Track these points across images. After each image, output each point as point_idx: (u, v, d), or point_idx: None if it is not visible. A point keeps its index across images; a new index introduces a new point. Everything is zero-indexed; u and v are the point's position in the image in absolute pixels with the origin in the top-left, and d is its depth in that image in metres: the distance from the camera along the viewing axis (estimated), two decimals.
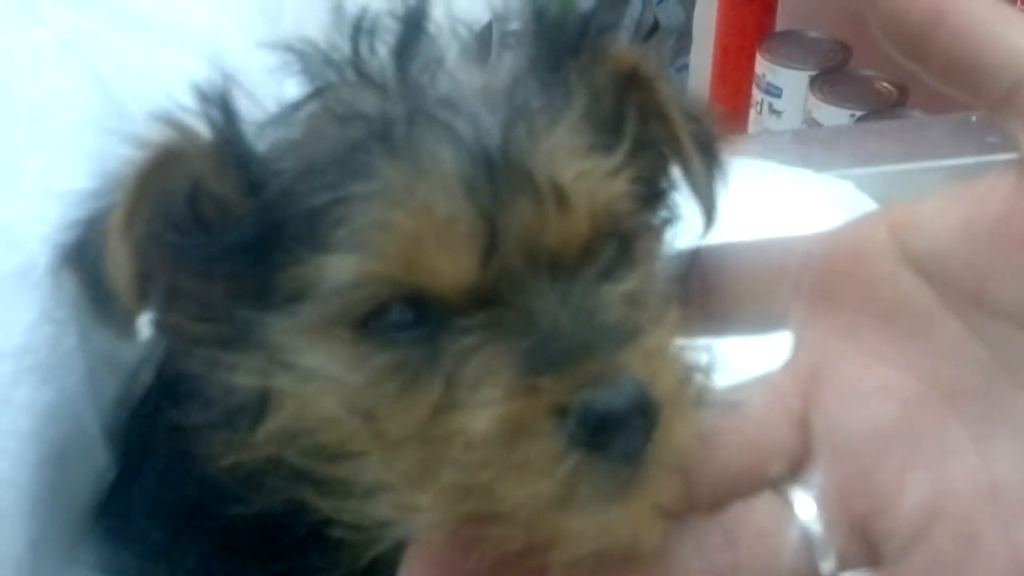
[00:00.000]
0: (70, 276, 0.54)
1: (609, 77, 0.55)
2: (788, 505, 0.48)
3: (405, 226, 0.47)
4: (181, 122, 0.51)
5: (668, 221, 0.59)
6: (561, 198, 0.48)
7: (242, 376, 0.51)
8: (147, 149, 0.51)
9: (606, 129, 0.53)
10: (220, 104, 0.51)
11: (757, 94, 1.92)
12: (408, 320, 0.48)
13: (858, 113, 1.73)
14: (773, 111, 1.89)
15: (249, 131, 0.52)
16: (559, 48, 0.54)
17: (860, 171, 1.41)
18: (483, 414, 0.44)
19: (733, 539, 0.47)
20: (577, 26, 0.56)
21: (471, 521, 0.45)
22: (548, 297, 0.46)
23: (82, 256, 0.52)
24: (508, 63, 0.55)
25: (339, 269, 0.47)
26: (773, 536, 0.47)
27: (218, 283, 0.52)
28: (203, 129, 0.51)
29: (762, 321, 0.55)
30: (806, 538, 0.47)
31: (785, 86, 1.87)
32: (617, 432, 0.42)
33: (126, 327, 0.51)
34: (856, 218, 0.53)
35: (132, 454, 0.67)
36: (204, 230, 0.51)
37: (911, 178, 1.36)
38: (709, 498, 0.48)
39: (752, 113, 1.94)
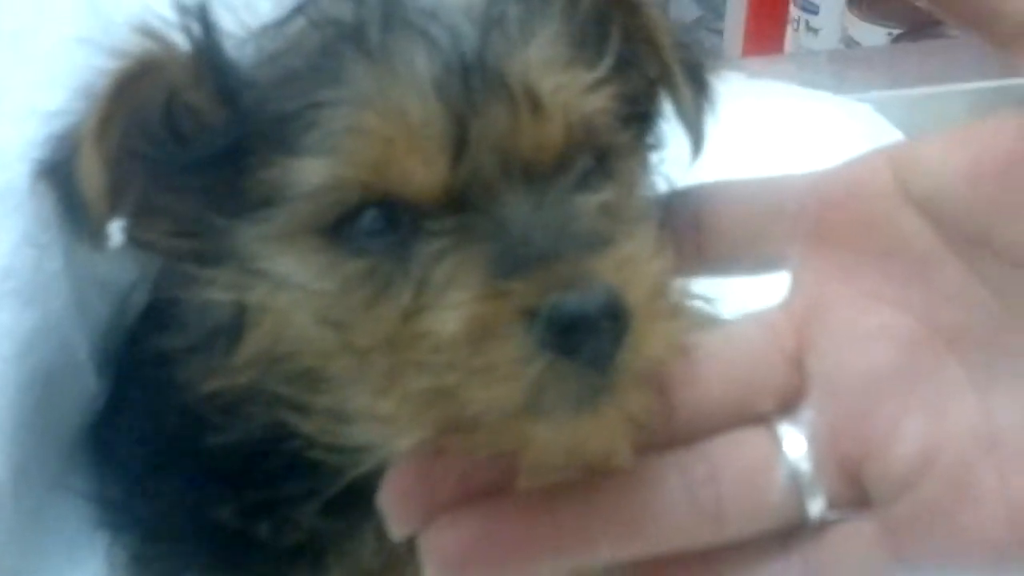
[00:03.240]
0: (46, 190, 0.54)
1: None
2: (777, 442, 0.47)
3: (376, 129, 0.46)
4: (159, 33, 0.51)
5: (652, 146, 0.58)
6: (536, 106, 0.48)
7: (217, 291, 0.51)
8: (124, 60, 0.50)
9: (588, 46, 0.52)
10: (199, 16, 0.51)
11: (794, 12, 1.89)
12: (379, 227, 0.47)
13: (896, 32, 1.70)
14: (810, 29, 1.85)
15: (229, 46, 0.52)
16: None
17: (896, 93, 1.39)
18: (451, 316, 0.44)
19: (718, 473, 0.46)
20: None
21: (439, 429, 0.44)
22: (520, 203, 0.46)
23: (57, 169, 0.52)
24: None
25: (309, 173, 0.47)
26: (760, 472, 0.46)
27: (192, 196, 0.51)
28: (181, 41, 0.51)
29: (760, 261, 0.53)
30: (794, 477, 0.46)
31: (822, 3, 1.83)
32: (586, 336, 0.41)
33: (98, 237, 0.51)
34: (857, 156, 0.51)
35: (122, 381, 0.67)
36: (179, 142, 0.51)
37: (945, 100, 1.33)
38: (693, 428, 0.47)
39: (789, 31, 1.91)
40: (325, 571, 0.58)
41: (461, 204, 0.46)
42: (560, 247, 0.44)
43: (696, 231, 0.53)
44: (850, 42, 1.75)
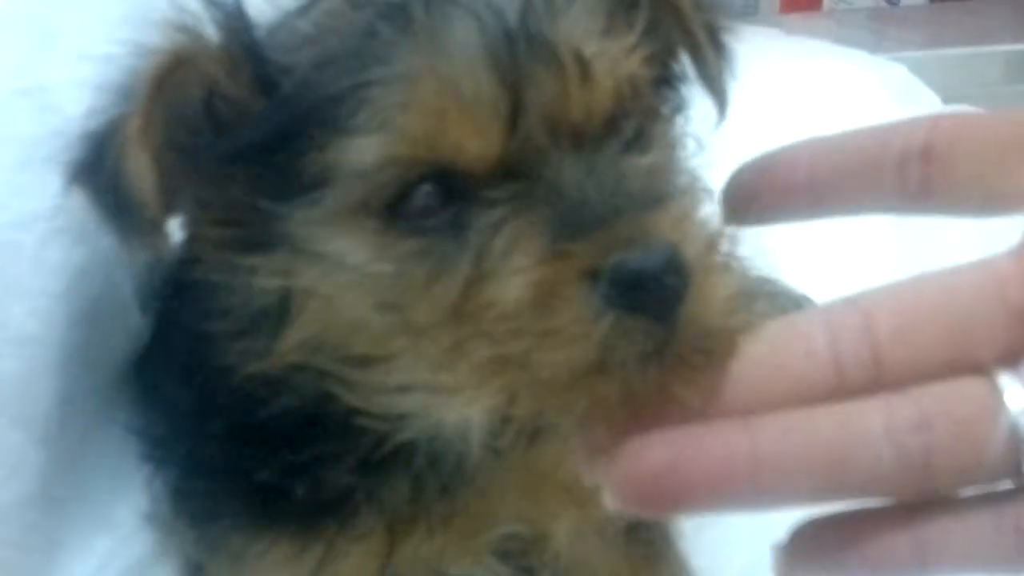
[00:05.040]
0: (83, 192, 0.53)
1: None
2: (997, 394, 0.42)
3: (428, 103, 0.47)
4: (189, 26, 0.51)
5: (677, 109, 0.58)
6: (584, 70, 0.48)
7: (264, 277, 0.51)
8: (156, 56, 0.50)
9: (620, 11, 0.52)
10: (227, 6, 0.51)
11: None
12: (433, 202, 0.47)
13: None
14: None
15: (260, 31, 0.52)
16: None
17: (933, 53, 1.39)
18: (514, 282, 0.44)
19: (929, 421, 0.41)
20: None
21: (509, 395, 0.44)
22: (573, 168, 0.46)
23: (96, 170, 0.51)
24: None
25: (362, 152, 0.47)
26: (976, 424, 0.41)
27: (238, 184, 0.51)
28: (212, 32, 0.51)
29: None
30: (1015, 432, 0.41)
31: None
32: (650, 292, 0.42)
33: (152, 236, 0.50)
34: None
35: (165, 318, 0.68)
36: (221, 132, 0.51)
37: (981, 61, 1.33)
38: (902, 373, 0.42)
39: None
40: (356, 517, 0.59)
41: (515, 172, 0.46)
42: (616, 207, 0.44)
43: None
44: (887, 6, 1.74)
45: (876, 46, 1.32)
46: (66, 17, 0.66)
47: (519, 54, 0.47)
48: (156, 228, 0.50)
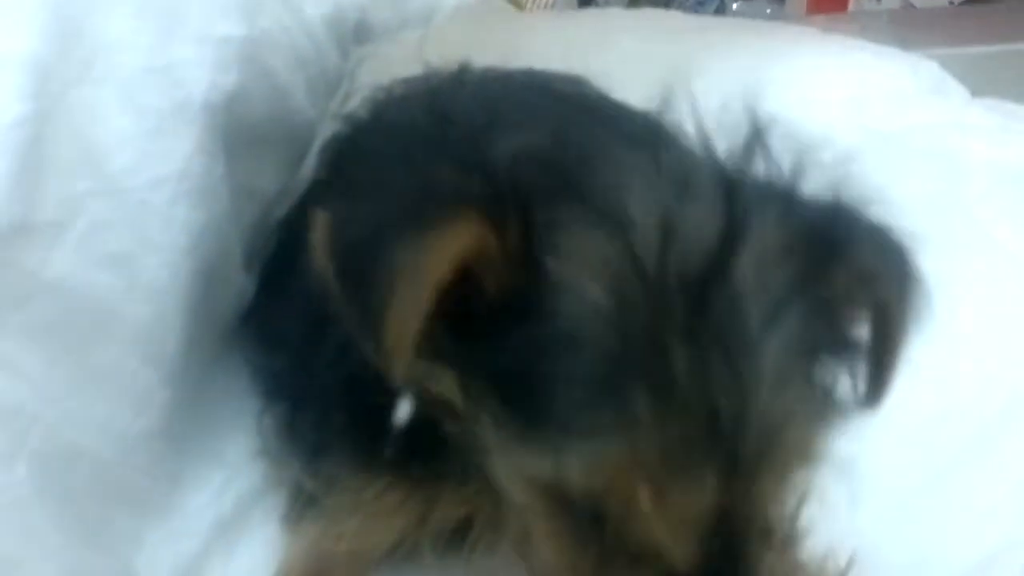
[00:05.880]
0: (337, 283, 0.49)
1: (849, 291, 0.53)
2: None
3: (639, 475, 0.46)
4: (498, 213, 0.49)
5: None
6: (784, 481, 0.49)
7: (441, 388, 0.52)
8: (456, 235, 0.48)
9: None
10: (525, 203, 0.49)
11: None
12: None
13: None
14: None
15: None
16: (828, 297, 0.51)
17: (956, 51, 1.44)
18: None
19: None
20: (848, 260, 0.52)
21: None
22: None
23: (360, 279, 0.48)
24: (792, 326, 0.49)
25: (573, 467, 0.47)
26: None
27: (459, 375, 0.52)
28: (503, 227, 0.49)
29: None
30: None
31: None
32: None
33: (385, 362, 0.49)
34: None
35: (271, 274, 0.76)
36: (466, 319, 0.50)
37: (1003, 60, 1.38)
38: None
39: None
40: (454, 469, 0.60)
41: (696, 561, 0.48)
42: None
43: None
44: (910, 8, 1.79)
45: (900, 46, 1.36)
46: (191, 3, 0.74)
47: (737, 473, 0.47)
48: (394, 364, 0.49)
